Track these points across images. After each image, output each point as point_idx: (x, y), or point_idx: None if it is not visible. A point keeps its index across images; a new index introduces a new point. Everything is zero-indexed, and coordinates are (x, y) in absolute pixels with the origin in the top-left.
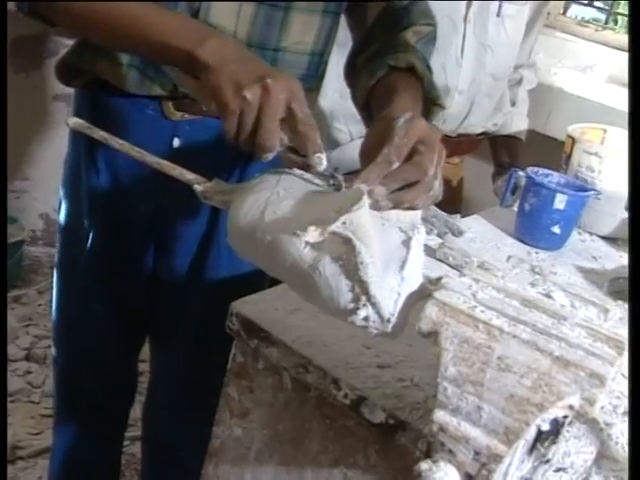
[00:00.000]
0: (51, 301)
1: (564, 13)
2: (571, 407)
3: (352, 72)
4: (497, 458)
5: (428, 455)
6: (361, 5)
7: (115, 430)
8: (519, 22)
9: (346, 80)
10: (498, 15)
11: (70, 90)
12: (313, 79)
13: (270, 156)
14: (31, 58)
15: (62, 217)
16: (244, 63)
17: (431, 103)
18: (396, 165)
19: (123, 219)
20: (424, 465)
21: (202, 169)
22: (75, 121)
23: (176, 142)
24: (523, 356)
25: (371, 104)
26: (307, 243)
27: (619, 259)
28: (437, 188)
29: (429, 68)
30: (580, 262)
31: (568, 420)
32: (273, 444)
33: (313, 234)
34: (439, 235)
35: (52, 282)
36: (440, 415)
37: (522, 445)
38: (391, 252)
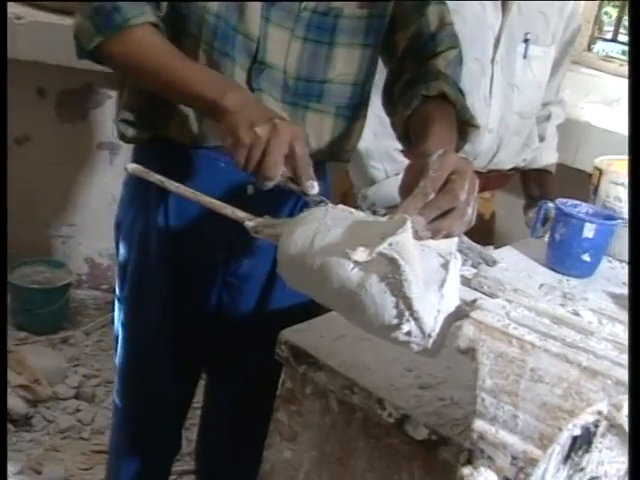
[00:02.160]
0: (115, 340)
1: (589, 49)
2: (600, 412)
3: (389, 102)
4: (533, 462)
5: (469, 462)
6: (391, 38)
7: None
8: (545, 63)
9: (385, 110)
10: (525, 57)
11: (114, 138)
12: (357, 107)
13: (270, 184)
14: (76, 109)
15: (123, 256)
16: (258, 109)
17: (466, 124)
18: (432, 196)
19: (194, 260)
20: (466, 470)
21: (275, 213)
22: (134, 166)
23: (250, 189)
24: (554, 367)
25: (409, 133)
26: (355, 263)
27: None
28: (470, 214)
29: (460, 91)
30: (610, 288)
31: (600, 431)
32: (321, 465)
33: (362, 254)
34: (473, 265)
35: (101, 322)
36: (479, 424)
37: (557, 453)
38: (431, 274)
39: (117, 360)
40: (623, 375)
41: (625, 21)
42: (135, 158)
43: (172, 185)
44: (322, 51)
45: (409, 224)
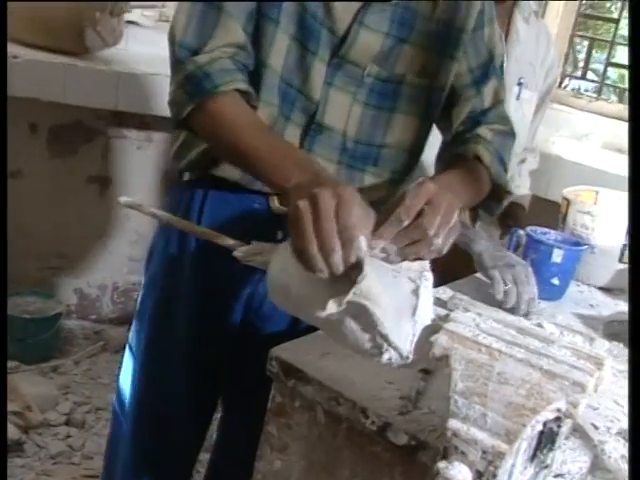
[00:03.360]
0: (119, 368)
1: (560, 86)
2: (559, 410)
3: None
4: (501, 456)
5: (445, 457)
6: (448, 111)
7: None
8: (532, 105)
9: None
10: (517, 98)
11: (104, 172)
12: (408, 174)
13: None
14: (67, 144)
15: (150, 280)
16: (309, 186)
17: (501, 190)
18: (406, 223)
19: (223, 290)
20: (441, 464)
21: None
22: (125, 199)
23: (279, 235)
24: (518, 371)
25: None
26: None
27: (614, 307)
28: (439, 244)
29: (501, 160)
30: (579, 310)
31: (564, 432)
32: (309, 473)
33: (332, 307)
34: None
35: (90, 352)
36: (453, 423)
37: (523, 449)
38: (403, 300)
39: (130, 385)
40: (579, 377)
41: (593, 59)
42: (177, 199)
43: (164, 217)
44: (382, 116)
45: (366, 272)
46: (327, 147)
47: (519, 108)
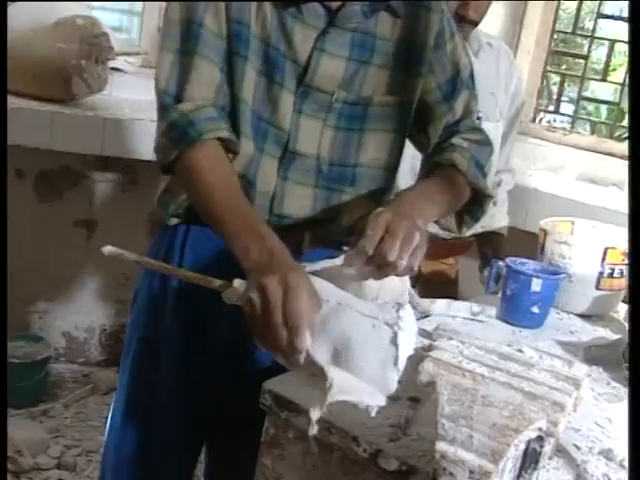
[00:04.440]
0: (108, 416)
1: (534, 120)
2: (540, 429)
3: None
4: (487, 475)
5: (434, 479)
6: (423, 129)
7: None
8: (496, 136)
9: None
10: None
11: (90, 215)
12: (386, 190)
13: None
14: (54, 189)
15: (135, 318)
16: (261, 271)
17: (482, 194)
18: (370, 253)
19: (207, 326)
20: None
21: None
22: (109, 249)
23: None
24: (501, 394)
25: None
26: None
27: (593, 332)
28: (404, 265)
29: (478, 164)
30: (559, 337)
31: (546, 452)
32: None
33: (316, 414)
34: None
35: (79, 395)
36: (441, 445)
37: (509, 469)
38: (385, 351)
39: (118, 424)
40: (558, 397)
41: (567, 91)
42: (160, 241)
43: (147, 263)
44: (354, 138)
45: (333, 384)
46: (302, 173)
47: None
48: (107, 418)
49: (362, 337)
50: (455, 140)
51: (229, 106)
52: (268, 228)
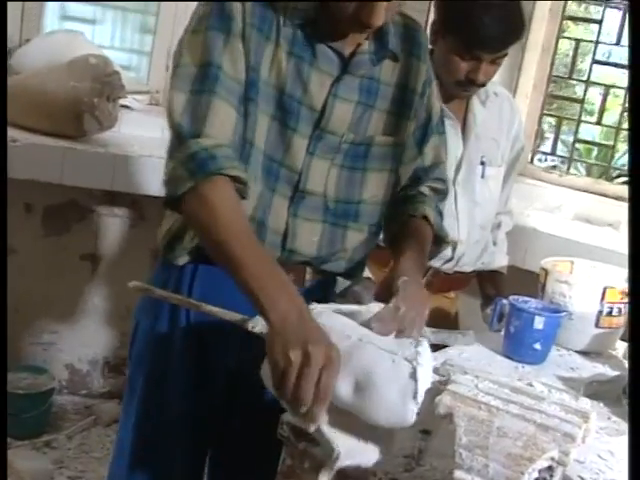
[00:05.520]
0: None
1: (532, 162)
2: (552, 458)
3: (387, 219)
4: None
5: None
6: (395, 170)
7: None
8: (498, 180)
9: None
10: (482, 177)
11: (96, 249)
12: (380, 228)
13: (303, 409)
14: (61, 223)
15: (139, 352)
16: (298, 328)
17: (441, 241)
18: (402, 310)
19: (212, 359)
20: None
21: None
22: (134, 284)
23: None
24: (515, 425)
25: (395, 243)
26: None
27: (593, 369)
28: (415, 330)
29: (440, 213)
30: (560, 372)
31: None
32: None
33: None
34: None
35: (82, 426)
36: (458, 474)
37: None
38: (404, 385)
39: (124, 460)
40: (569, 429)
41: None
42: (164, 279)
43: (174, 299)
44: (357, 176)
45: (339, 455)
46: (311, 210)
47: (485, 185)
48: (110, 450)
49: (383, 372)
50: (423, 189)
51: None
52: (287, 276)
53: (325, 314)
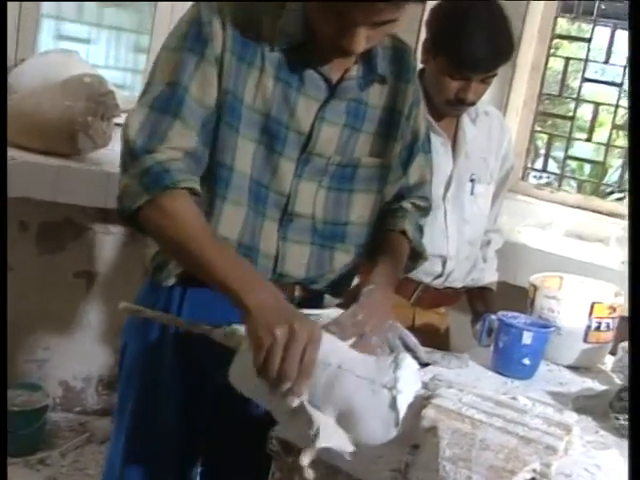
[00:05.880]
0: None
1: (523, 178)
2: (534, 470)
3: None
4: None
5: None
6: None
7: None
8: (487, 197)
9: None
10: (472, 194)
11: (90, 267)
12: (368, 245)
13: (285, 387)
14: (56, 241)
15: (128, 375)
16: (278, 309)
17: (418, 256)
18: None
19: (203, 369)
20: None
21: None
22: (124, 305)
23: None
24: (498, 438)
25: (370, 256)
26: None
27: (582, 384)
28: (375, 339)
29: (420, 229)
30: (549, 387)
31: None
32: None
33: (306, 459)
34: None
35: (76, 443)
36: None
37: None
38: (385, 415)
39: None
40: (551, 441)
41: (553, 148)
42: (150, 295)
43: (164, 318)
44: (344, 197)
45: (319, 433)
46: (300, 232)
47: (474, 202)
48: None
49: (363, 402)
50: (405, 204)
51: (216, 175)
52: (259, 272)
53: None
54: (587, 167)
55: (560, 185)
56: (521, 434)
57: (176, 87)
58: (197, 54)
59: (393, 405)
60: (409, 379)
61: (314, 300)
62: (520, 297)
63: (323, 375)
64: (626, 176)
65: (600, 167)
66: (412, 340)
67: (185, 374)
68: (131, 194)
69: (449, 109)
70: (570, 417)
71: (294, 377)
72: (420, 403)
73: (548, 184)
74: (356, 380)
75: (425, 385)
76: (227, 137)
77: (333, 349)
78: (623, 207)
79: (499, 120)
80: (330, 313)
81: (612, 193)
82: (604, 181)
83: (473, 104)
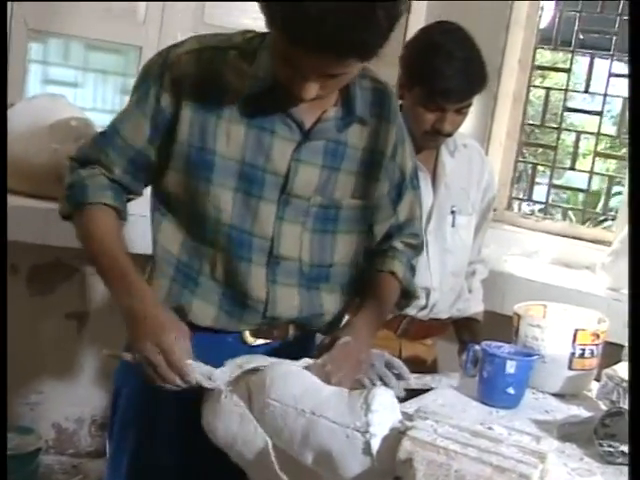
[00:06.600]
0: None
1: (508, 208)
2: None
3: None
4: None
5: None
6: (371, 228)
7: None
8: (469, 228)
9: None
10: (453, 225)
11: (81, 308)
12: (354, 284)
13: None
14: (46, 283)
15: (122, 425)
16: (144, 322)
17: (410, 295)
18: (328, 367)
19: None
20: None
21: None
22: (107, 352)
23: None
24: (473, 468)
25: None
26: None
27: (567, 411)
28: (343, 382)
29: (412, 267)
30: (534, 415)
31: None
32: None
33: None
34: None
35: None
36: None
37: None
38: (361, 459)
39: None
40: (525, 469)
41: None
42: None
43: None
44: (328, 239)
45: None
46: (287, 275)
47: (455, 234)
48: None
49: (339, 448)
50: (395, 243)
51: (200, 224)
52: (140, 277)
53: (279, 383)
54: (580, 195)
55: (545, 214)
56: (495, 463)
57: (111, 126)
58: (140, 110)
59: (367, 451)
60: (382, 418)
61: (307, 337)
62: (508, 326)
63: (298, 424)
64: (610, 202)
65: (593, 195)
66: (401, 367)
67: (183, 410)
68: (62, 203)
69: (427, 141)
70: (549, 445)
71: (175, 378)
72: (397, 436)
73: (540, 211)
74: (330, 426)
75: (409, 417)
76: (202, 188)
77: (306, 391)
78: (608, 234)
79: (479, 153)
80: (301, 362)
81: (606, 220)
82: (597, 209)
83: (450, 135)
